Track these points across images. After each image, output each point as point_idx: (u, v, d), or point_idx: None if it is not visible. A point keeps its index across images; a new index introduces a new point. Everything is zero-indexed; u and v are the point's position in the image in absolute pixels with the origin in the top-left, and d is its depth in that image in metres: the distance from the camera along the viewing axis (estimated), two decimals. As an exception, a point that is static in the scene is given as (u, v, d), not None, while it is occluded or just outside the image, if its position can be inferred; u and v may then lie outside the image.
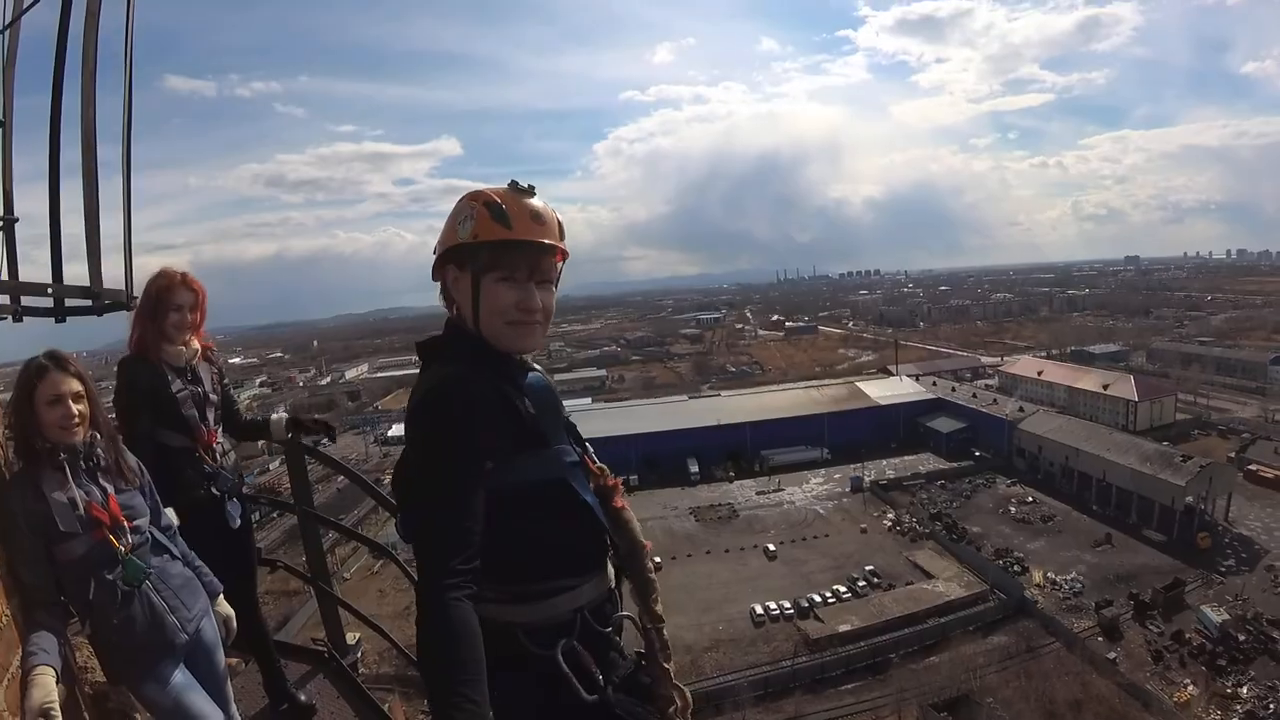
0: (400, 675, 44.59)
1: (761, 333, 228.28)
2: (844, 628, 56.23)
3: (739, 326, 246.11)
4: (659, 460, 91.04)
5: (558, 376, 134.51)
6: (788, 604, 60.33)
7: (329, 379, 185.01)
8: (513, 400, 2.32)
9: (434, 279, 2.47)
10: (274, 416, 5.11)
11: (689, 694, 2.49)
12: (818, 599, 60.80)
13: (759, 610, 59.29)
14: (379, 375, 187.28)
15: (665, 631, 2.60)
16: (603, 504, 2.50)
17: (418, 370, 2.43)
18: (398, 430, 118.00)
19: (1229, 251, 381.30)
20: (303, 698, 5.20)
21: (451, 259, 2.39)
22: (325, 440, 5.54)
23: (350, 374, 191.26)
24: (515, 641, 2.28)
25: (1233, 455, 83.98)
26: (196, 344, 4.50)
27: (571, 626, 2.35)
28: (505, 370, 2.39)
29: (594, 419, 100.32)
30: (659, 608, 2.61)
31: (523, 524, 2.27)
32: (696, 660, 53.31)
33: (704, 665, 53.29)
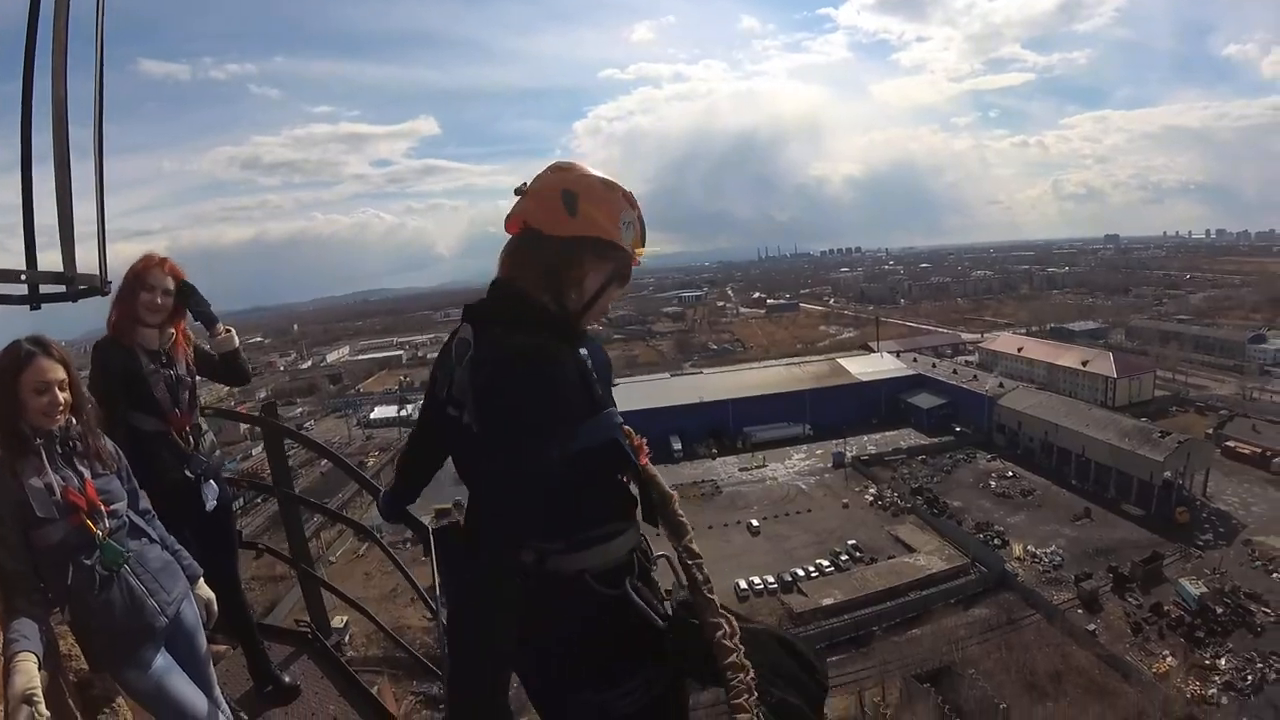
0: (388, 657, 44.90)
1: (743, 310, 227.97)
2: (827, 601, 56.56)
3: (720, 305, 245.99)
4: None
5: None
6: (771, 578, 60.67)
7: (310, 362, 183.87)
8: (588, 371, 2.45)
9: (564, 235, 2.41)
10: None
11: (735, 620, 2.58)
12: (801, 573, 61.12)
13: (743, 585, 59.47)
14: (360, 358, 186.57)
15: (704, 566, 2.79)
16: None
17: (461, 330, 2.53)
18: (380, 412, 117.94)
19: (1208, 231, 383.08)
20: (287, 679, 5.24)
21: (599, 251, 2.46)
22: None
23: (331, 357, 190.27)
24: (586, 587, 2.47)
25: (1210, 431, 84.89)
26: (172, 329, 4.50)
27: (631, 566, 2.65)
28: (579, 343, 2.51)
29: None
30: (695, 546, 2.83)
31: (587, 479, 2.44)
32: None
33: None
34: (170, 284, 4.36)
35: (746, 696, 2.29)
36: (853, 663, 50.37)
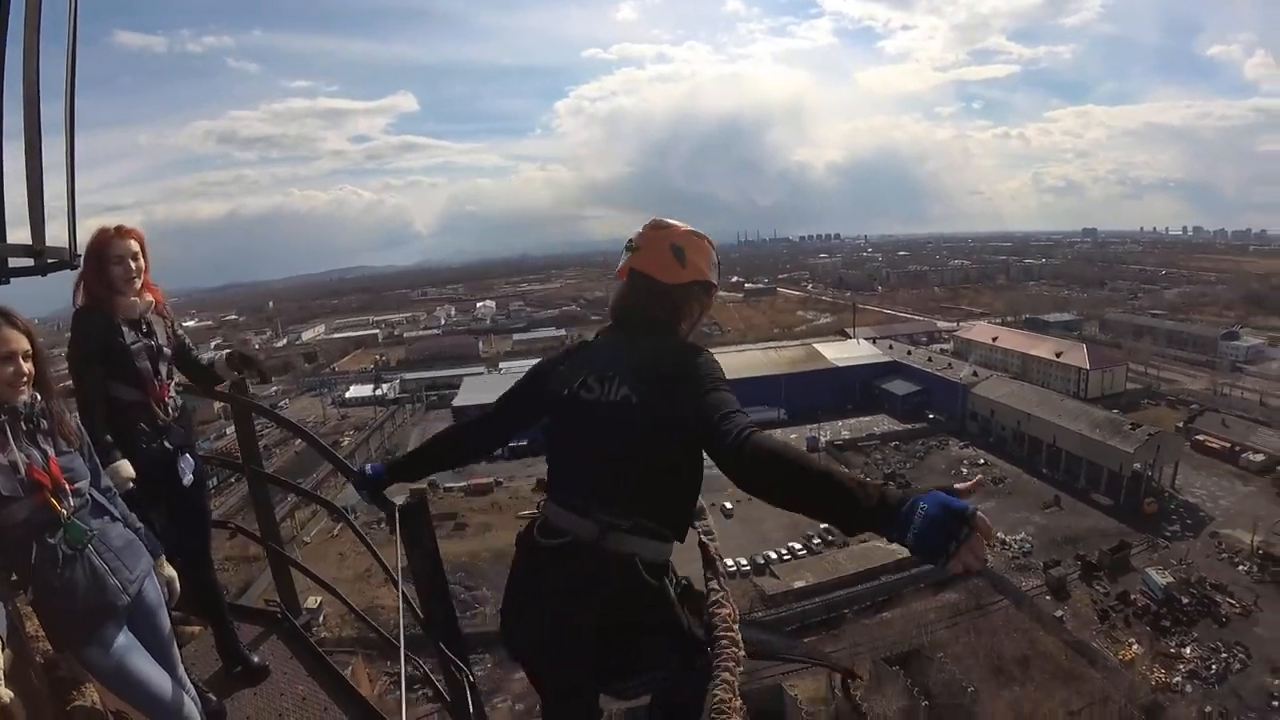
0: (362, 638, 44.72)
1: (721, 294, 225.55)
2: (799, 584, 56.97)
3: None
4: None
5: (516, 337, 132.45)
6: (744, 561, 60.91)
7: (285, 340, 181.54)
8: None
9: (679, 281, 3.20)
10: (217, 356, 5.06)
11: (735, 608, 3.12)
12: (774, 556, 61.51)
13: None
14: (336, 336, 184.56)
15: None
16: None
17: (605, 338, 3.31)
18: (356, 391, 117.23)
19: (1185, 228, 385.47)
20: (256, 660, 5.21)
21: (704, 289, 3.29)
22: (256, 379, 5.37)
23: (307, 335, 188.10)
24: (634, 571, 2.85)
25: (1181, 425, 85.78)
26: (150, 296, 4.44)
27: (670, 569, 3.07)
28: None
29: None
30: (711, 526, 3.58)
31: (694, 465, 2.94)
32: None
33: None
34: (133, 247, 4.27)
35: (731, 665, 2.61)
36: (823, 645, 50.66)
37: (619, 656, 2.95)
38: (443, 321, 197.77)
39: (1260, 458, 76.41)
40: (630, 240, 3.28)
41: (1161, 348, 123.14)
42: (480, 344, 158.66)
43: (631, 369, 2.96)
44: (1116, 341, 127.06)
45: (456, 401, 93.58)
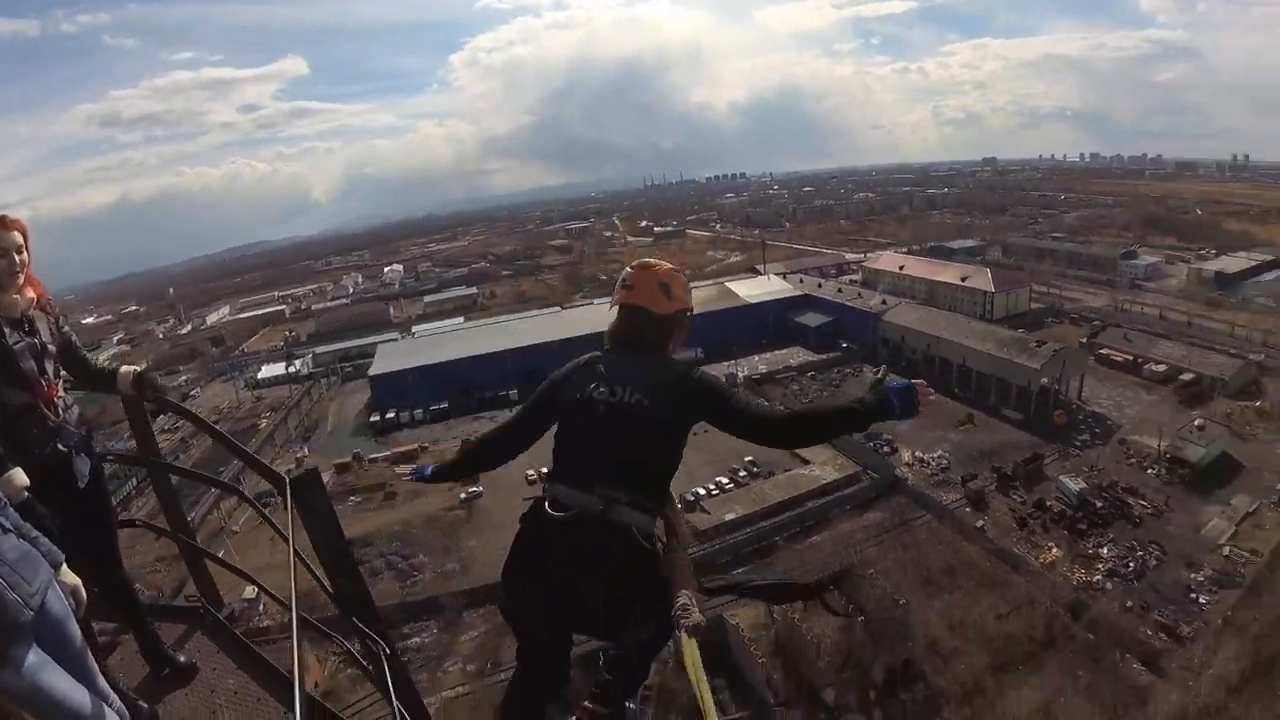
0: (304, 620, 43.83)
1: (630, 239, 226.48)
2: (729, 516, 57.39)
3: (608, 234, 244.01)
4: (538, 373, 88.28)
5: (427, 299, 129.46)
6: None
7: (189, 327, 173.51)
8: None
9: (668, 311, 4.05)
10: (122, 369, 4.74)
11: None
12: (702, 492, 61.65)
13: None
14: (242, 316, 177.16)
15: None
16: None
17: (613, 358, 4.02)
18: (268, 371, 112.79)
19: (1083, 155, 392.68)
20: (182, 659, 5.05)
21: (685, 315, 4.14)
22: (152, 405, 5.24)
23: (211, 318, 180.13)
24: (631, 537, 3.55)
25: (1084, 341, 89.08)
26: (31, 292, 4.17)
27: (656, 536, 3.76)
28: None
29: (469, 338, 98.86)
30: (676, 504, 4.31)
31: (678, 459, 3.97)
32: None
33: None
34: (17, 239, 4.00)
35: (689, 609, 3.42)
36: (758, 573, 51.34)
37: (617, 612, 3.65)
38: (350, 290, 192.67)
39: (1162, 368, 79.72)
40: (624, 279, 4.10)
41: (1063, 269, 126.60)
42: (391, 309, 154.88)
43: (643, 380, 3.77)
44: (1019, 265, 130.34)
45: (373, 370, 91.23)
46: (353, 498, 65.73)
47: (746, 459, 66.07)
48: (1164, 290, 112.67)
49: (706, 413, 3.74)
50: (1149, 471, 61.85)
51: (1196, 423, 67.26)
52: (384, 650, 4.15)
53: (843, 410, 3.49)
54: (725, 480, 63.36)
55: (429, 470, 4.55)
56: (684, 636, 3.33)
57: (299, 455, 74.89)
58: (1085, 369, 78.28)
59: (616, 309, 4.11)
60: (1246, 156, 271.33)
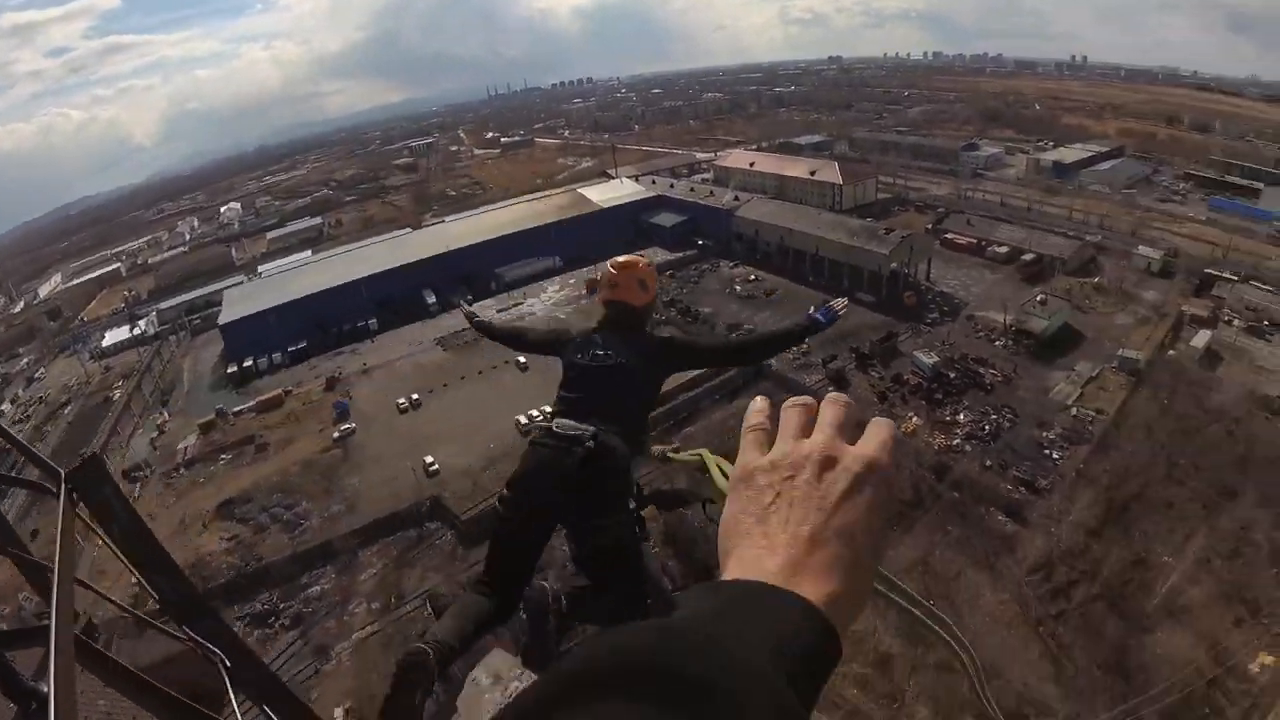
0: (202, 593, 41.99)
1: (477, 152, 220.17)
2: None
3: (454, 149, 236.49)
4: (394, 299, 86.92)
5: (270, 236, 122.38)
6: (548, 407, 60.14)
7: (21, 304, 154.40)
8: None
9: (643, 302, 5.48)
10: None
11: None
12: (576, 398, 61.46)
13: (523, 420, 59.55)
14: (76, 283, 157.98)
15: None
16: None
17: (607, 333, 5.27)
18: (113, 337, 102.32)
19: (926, 54, 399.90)
20: (44, 688, 3.82)
21: (655, 301, 5.59)
22: None
23: (44, 290, 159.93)
24: (616, 454, 4.63)
25: (930, 227, 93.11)
26: None
27: (632, 456, 4.89)
28: None
29: (319, 271, 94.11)
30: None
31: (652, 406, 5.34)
32: (478, 481, 53.49)
33: (486, 484, 53.02)
34: None
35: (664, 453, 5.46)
36: (636, 469, 51.35)
37: (597, 501, 4.59)
38: (187, 237, 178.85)
39: (1004, 250, 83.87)
40: (608, 279, 5.41)
41: (907, 160, 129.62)
42: (234, 251, 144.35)
43: (625, 348, 5.04)
44: (865, 158, 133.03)
45: (223, 319, 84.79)
46: (223, 456, 62.73)
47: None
48: (1004, 179, 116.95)
49: (673, 364, 5.28)
50: (997, 343, 64.80)
51: (1039, 298, 70.20)
52: (222, 662, 3.04)
53: (784, 332, 5.60)
54: (595, 390, 63.22)
55: (476, 318, 6.80)
56: (677, 456, 5.27)
57: (160, 421, 70.68)
58: (932, 253, 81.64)
59: (603, 302, 5.48)
60: (1085, 58, 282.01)
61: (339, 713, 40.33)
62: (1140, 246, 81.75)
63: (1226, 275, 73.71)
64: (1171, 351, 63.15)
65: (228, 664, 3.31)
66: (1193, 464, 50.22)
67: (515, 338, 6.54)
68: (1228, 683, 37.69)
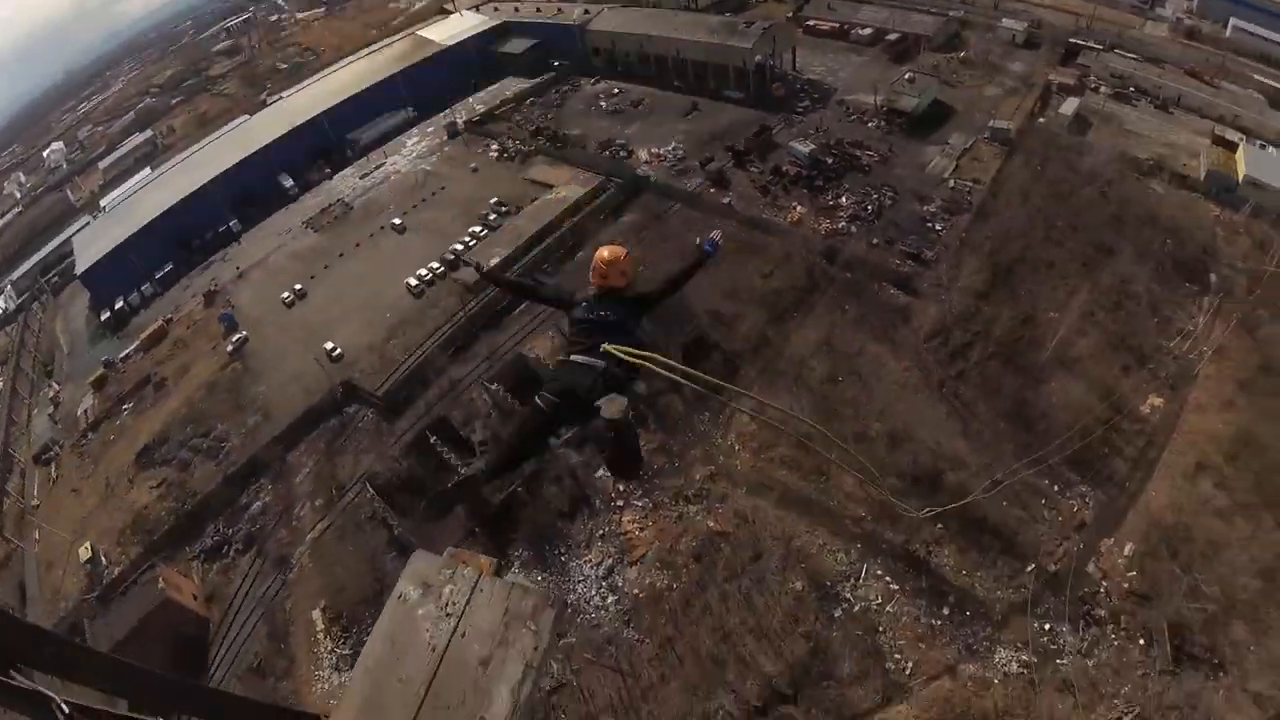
0: (152, 548, 47.24)
1: (300, 16, 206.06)
2: (494, 260, 56.71)
3: (274, 19, 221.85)
4: (252, 192, 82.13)
5: (103, 165, 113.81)
6: (436, 264, 60.70)
7: None
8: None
9: (624, 285, 7.16)
10: None
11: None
12: (460, 247, 61.40)
13: (413, 282, 59.36)
14: None
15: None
16: None
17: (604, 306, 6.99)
18: None
19: None
20: None
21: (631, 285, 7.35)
22: None
23: None
24: (609, 375, 6.43)
25: (790, 15, 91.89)
26: None
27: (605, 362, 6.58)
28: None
29: (164, 186, 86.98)
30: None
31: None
32: (384, 354, 53.68)
33: (392, 353, 53.35)
34: None
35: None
36: (536, 308, 51.23)
37: (605, 387, 6.29)
38: (19, 195, 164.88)
39: (868, 31, 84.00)
40: (598, 270, 7.12)
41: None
42: (70, 193, 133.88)
43: (616, 308, 6.85)
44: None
45: (79, 268, 77.46)
46: (125, 406, 60.46)
47: (492, 201, 65.52)
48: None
49: (642, 311, 7.05)
50: (869, 125, 66.16)
51: (907, 76, 70.67)
52: (60, 710, 2.68)
53: (690, 266, 7.30)
54: (478, 228, 63.38)
55: (485, 269, 9.23)
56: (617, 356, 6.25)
57: (52, 395, 66.90)
58: (795, 41, 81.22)
59: (596, 285, 7.14)
60: None
61: (315, 614, 41.21)
62: (1004, 19, 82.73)
63: (1091, 44, 75.63)
64: (1041, 120, 65.51)
65: (65, 710, 2.83)
66: (1070, 225, 52.91)
67: (529, 292, 12.39)
68: (1122, 424, 40.85)
